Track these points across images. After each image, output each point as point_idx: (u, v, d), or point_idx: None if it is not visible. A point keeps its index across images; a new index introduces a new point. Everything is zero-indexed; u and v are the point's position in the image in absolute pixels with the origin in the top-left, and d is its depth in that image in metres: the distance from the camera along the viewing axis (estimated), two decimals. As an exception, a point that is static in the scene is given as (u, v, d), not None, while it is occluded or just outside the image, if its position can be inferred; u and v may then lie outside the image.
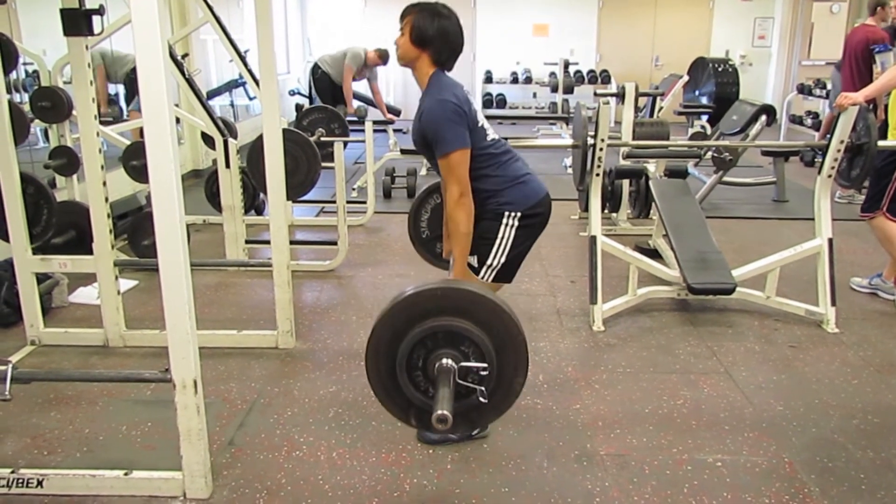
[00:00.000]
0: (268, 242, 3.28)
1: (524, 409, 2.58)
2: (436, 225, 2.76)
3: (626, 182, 4.95)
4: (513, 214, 2.24)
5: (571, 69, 10.11)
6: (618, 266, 3.70)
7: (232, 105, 8.39)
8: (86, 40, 2.77)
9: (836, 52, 6.40)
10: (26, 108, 3.96)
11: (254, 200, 4.86)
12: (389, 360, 1.79)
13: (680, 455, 2.33)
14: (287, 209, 4.04)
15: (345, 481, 2.19)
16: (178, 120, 4.91)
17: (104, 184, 2.89)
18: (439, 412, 1.60)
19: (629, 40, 11.34)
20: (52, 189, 3.29)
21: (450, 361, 1.73)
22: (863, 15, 6.32)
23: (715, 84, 7.59)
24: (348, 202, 4.43)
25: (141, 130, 4.24)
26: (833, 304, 3.37)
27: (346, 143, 4.72)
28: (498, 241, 2.25)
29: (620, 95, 5.12)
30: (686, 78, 7.85)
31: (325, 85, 7.20)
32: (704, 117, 7.01)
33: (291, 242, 3.60)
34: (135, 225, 3.96)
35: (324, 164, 4.22)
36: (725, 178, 5.57)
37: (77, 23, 2.72)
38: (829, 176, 3.41)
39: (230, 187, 4.03)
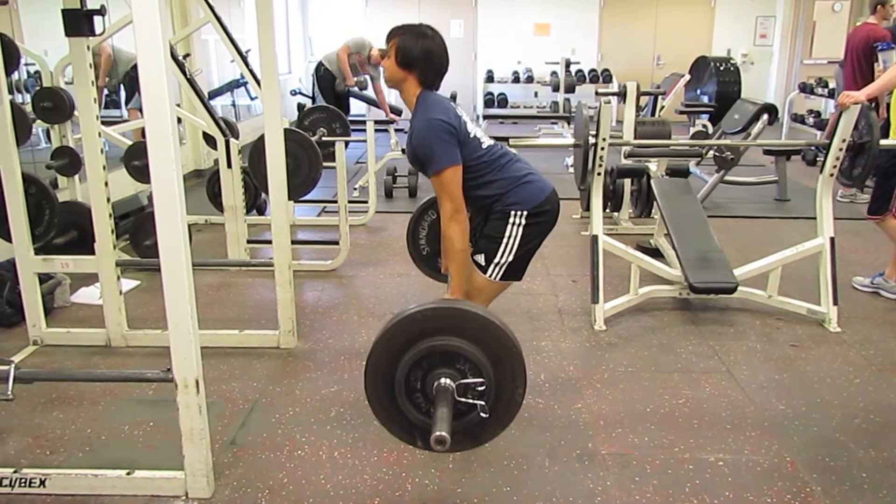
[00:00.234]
0: (269, 242, 3.29)
1: (526, 409, 2.55)
2: (434, 241, 2.72)
3: (627, 181, 4.95)
4: (519, 213, 2.25)
5: (573, 68, 10.09)
6: (619, 265, 3.70)
7: (233, 105, 8.40)
8: (87, 41, 2.78)
9: (838, 50, 6.40)
10: (28, 108, 3.97)
11: (255, 200, 4.87)
12: (388, 385, 1.80)
13: (681, 454, 2.33)
14: (289, 209, 4.04)
15: (346, 481, 2.19)
16: (179, 120, 4.90)
17: (106, 184, 2.90)
18: (437, 433, 1.61)
19: (631, 39, 11.32)
20: (54, 189, 3.29)
21: (447, 380, 1.74)
22: (865, 13, 6.32)
23: (717, 83, 7.60)
24: (350, 202, 4.43)
25: (142, 130, 4.24)
26: (835, 303, 3.37)
27: (347, 143, 4.72)
28: (505, 240, 2.26)
29: (622, 94, 5.12)
30: (688, 77, 7.85)
31: (328, 83, 7.20)
32: (706, 116, 6.99)
33: (293, 242, 3.60)
34: (137, 225, 3.96)
35: (325, 164, 4.21)
36: (727, 177, 5.57)
37: (78, 23, 2.72)
38: (831, 175, 3.41)
39: (232, 187, 4.03)
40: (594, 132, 3.37)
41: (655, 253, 4.18)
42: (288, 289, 3.05)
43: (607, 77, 10.47)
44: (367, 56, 7.05)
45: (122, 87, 5.73)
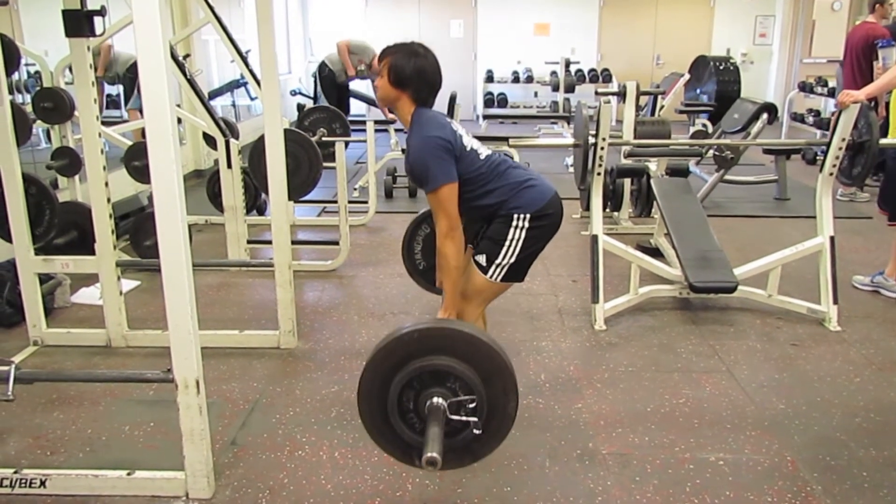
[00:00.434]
0: (269, 242, 3.28)
1: (526, 409, 2.58)
2: (430, 255, 2.70)
3: (627, 181, 4.95)
4: (522, 216, 2.25)
5: (572, 68, 10.10)
6: (619, 265, 3.70)
7: (233, 105, 8.40)
8: (87, 41, 2.78)
9: (838, 49, 6.39)
10: (29, 108, 3.97)
11: (255, 200, 4.87)
12: (381, 407, 1.79)
13: (682, 454, 2.33)
14: (289, 209, 4.04)
15: (347, 481, 2.19)
16: (179, 120, 4.90)
17: (106, 184, 2.90)
18: (428, 455, 1.61)
19: (630, 39, 11.32)
20: (54, 190, 3.29)
21: (438, 399, 1.73)
22: (864, 12, 6.31)
23: (716, 82, 7.59)
24: (350, 202, 4.43)
25: (143, 131, 4.24)
26: (835, 302, 3.37)
27: (347, 143, 4.72)
28: (508, 242, 2.26)
29: (622, 94, 5.11)
30: (687, 76, 7.85)
31: (331, 84, 7.20)
32: (706, 116, 7.00)
33: (293, 242, 3.60)
34: (137, 225, 3.96)
35: (325, 164, 4.22)
36: (727, 177, 5.57)
37: (78, 24, 2.72)
38: (831, 174, 3.41)
39: (232, 187, 4.03)
40: (594, 132, 3.37)
41: (655, 252, 4.19)
42: (288, 289, 3.05)
43: (607, 77, 10.48)
44: (370, 64, 7.04)
45: (121, 84, 5.73)
